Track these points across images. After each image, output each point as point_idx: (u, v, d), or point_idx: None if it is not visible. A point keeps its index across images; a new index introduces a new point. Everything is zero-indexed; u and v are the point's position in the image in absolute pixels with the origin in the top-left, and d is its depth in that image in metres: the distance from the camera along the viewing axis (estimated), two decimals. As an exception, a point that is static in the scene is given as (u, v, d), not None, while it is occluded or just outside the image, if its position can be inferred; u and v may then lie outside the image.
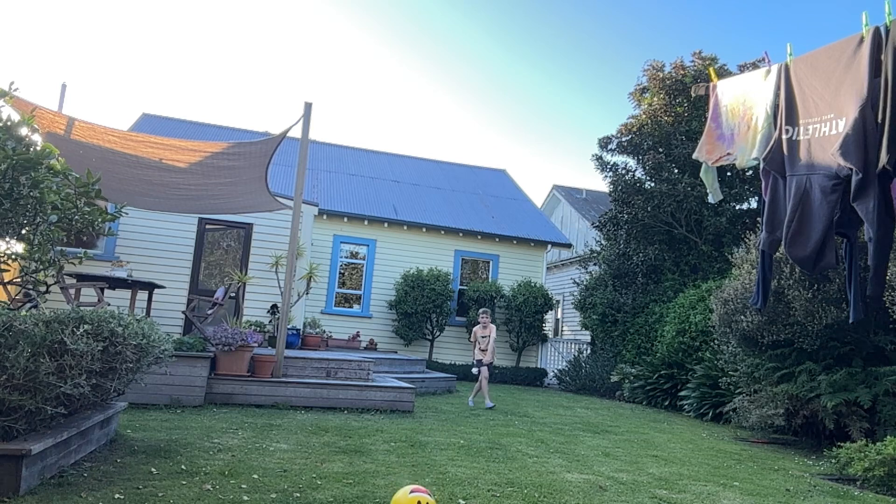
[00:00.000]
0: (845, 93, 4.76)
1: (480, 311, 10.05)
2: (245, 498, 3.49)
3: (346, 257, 15.48)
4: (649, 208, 13.37)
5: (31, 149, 3.66)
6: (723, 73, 11.45)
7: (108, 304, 7.18)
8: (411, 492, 3.14)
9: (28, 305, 5.78)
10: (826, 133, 4.93)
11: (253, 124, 54.10)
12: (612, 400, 12.04)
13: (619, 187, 14.19)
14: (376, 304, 15.13)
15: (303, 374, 7.90)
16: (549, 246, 16.74)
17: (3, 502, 3.06)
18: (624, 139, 14.72)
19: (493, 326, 9.87)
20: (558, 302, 19.91)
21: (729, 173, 13.24)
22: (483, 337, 9.75)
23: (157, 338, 4.52)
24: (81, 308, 3.86)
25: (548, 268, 19.17)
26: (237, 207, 10.01)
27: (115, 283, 8.37)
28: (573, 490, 4.24)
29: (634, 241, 14.16)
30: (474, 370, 9.81)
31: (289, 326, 10.17)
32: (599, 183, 22.33)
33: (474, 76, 56.81)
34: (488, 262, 16.22)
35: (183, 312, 9.91)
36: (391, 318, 15.03)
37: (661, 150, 13.86)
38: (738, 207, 13.42)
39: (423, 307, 14.38)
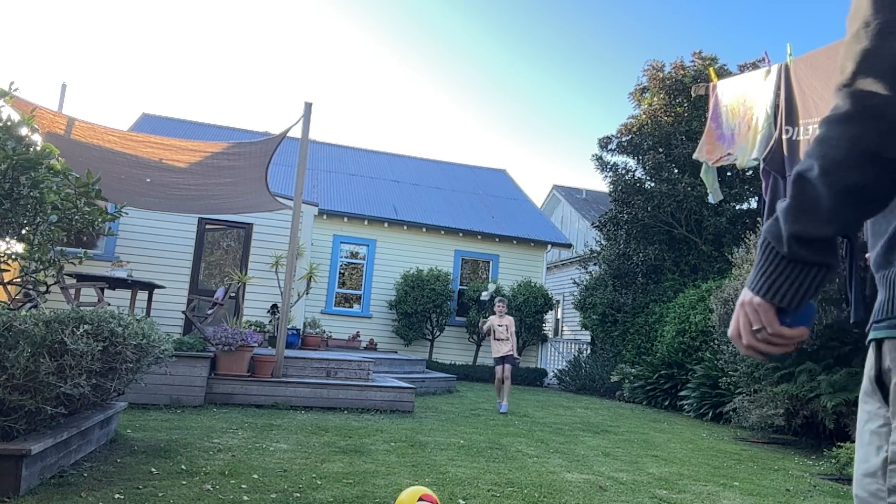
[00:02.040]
0: (845, 93, 4.76)
1: (497, 298, 9.21)
2: (245, 498, 3.48)
3: (346, 257, 15.48)
4: (649, 208, 13.37)
5: (31, 149, 3.67)
6: (723, 73, 11.45)
7: (108, 304, 7.18)
8: (420, 499, 3.10)
9: (28, 305, 5.77)
10: (826, 133, 4.93)
11: (253, 124, 54.07)
12: (612, 400, 12.04)
13: (619, 187, 14.19)
14: (376, 304, 15.13)
15: (303, 374, 7.90)
16: (549, 246, 16.73)
17: (3, 502, 3.06)
18: (624, 139, 14.72)
19: (510, 318, 8.98)
20: (558, 302, 19.90)
21: (729, 173, 13.24)
22: (500, 325, 8.81)
23: (157, 338, 4.52)
24: (81, 308, 3.86)
25: (548, 268, 19.16)
26: (237, 207, 10.01)
27: (115, 283, 8.37)
28: (573, 490, 4.24)
29: (634, 241, 14.16)
30: (499, 367, 8.65)
31: (289, 326, 10.17)
32: (599, 183, 22.34)
33: (474, 76, 56.81)
34: (488, 262, 16.22)
35: (183, 312, 9.91)
36: (391, 318, 15.03)
37: (661, 150, 13.86)
38: (738, 207, 13.42)
39: (423, 307, 14.37)
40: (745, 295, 0.96)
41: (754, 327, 0.94)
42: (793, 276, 0.89)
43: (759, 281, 0.92)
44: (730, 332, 1.01)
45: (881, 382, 0.89)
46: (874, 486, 0.87)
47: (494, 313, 9.09)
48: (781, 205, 0.89)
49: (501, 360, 8.75)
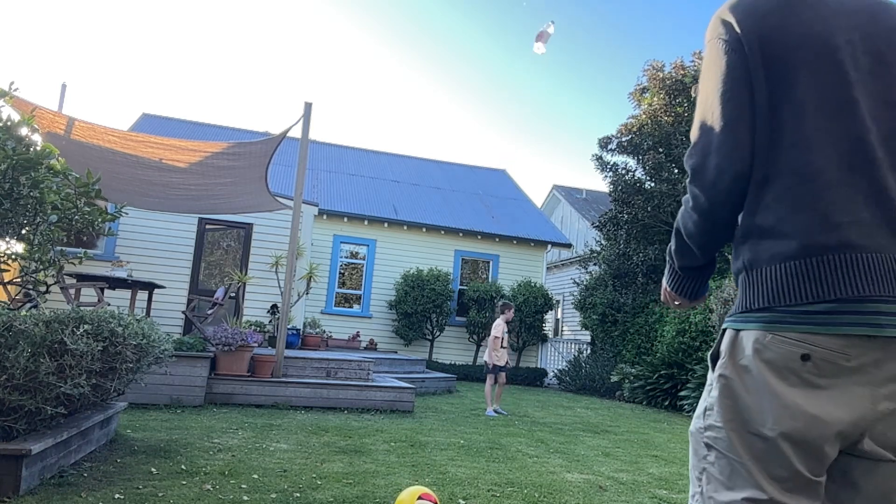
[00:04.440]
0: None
1: (504, 303, 8.72)
2: (245, 498, 3.49)
3: (346, 257, 15.47)
4: (649, 208, 13.37)
5: (31, 149, 3.67)
6: (723, 73, 11.44)
7: (108, 304, 7.18)
8: (419, 498, 3.10)
9: (28, 305, 5.77)
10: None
11: (253, 124, 54.04)
12: (612, 400, 12.04)
13: (619, 187, 14.19)
14: (376, 304, 15.12)
15: (303, 374, 7.90)
16: (549, 246, 16.73)
17: (3, 502, 3.06)
18: (624, 139, 14.72)
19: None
20: (558, 302, 19.90)
21: (729, 173, 13.22)
22: (507, 333, 8.59)
23: (157, 338, 4.52)
24: (81, 308, 3.86)
25: (548, 268, 19.16)
26: (237, 207, 10.01)
27: (115, 283, 8.37)
28: (573, 490, 4.24)
29: (634, 241, 14.16)
30: (492, 374, 8.47)
31: (289, 326, 10.17)
32: (599, 183, 22.35)
33: (474, 76, 56.84)
34: (488, 262, 16.22)
35: (183, 312, 9.91)
36: (391, 318, 15.03)
37: (661, 150, 13.87)
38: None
39: (423, 307, 14.37)
40: (665, 286, 1.55)
41: (675, 303, 1.55)
42: (687, 281, 1.50)
43: (671, 283, 1.53)
44: (661, 300, 1.62)
45: (714, 358, 1.29)
46: (699, 424, 1.27)
47: (498, 316, 8.66)
48: (672, 246, 1.46)
49: (502, 368, 8.51)
